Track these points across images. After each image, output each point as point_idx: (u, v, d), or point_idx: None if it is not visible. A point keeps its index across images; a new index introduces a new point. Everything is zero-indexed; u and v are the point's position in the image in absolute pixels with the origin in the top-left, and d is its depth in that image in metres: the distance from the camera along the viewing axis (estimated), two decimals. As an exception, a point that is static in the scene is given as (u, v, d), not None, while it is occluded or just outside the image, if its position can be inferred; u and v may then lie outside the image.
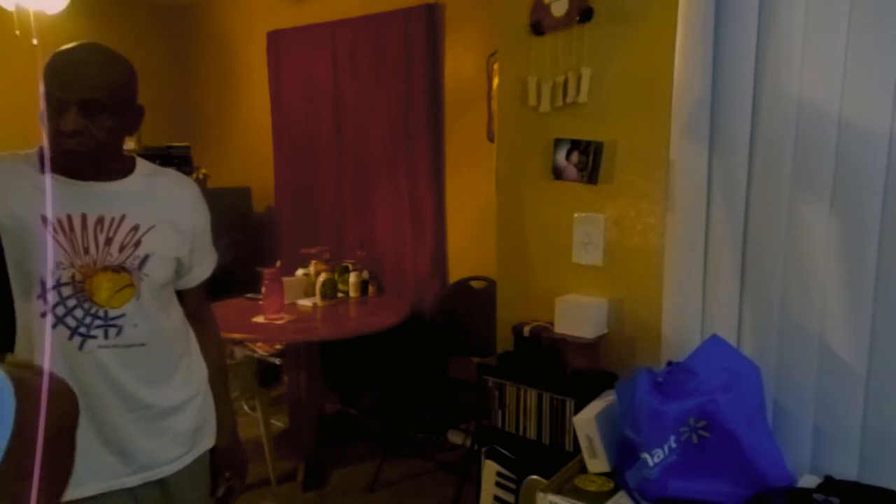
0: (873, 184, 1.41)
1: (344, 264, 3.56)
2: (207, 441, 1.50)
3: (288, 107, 4.08)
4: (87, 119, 1.20)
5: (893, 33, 1.37)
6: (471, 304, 3.22)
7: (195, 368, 1.49)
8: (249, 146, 4.43)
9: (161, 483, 1.41)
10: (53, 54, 1.22)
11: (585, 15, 1.79)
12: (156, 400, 1.38)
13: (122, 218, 1.31)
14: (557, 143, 1.88)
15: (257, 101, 4.28)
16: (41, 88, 1.21)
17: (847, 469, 1.49)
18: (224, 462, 1.56)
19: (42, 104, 1.22)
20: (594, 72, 1.80)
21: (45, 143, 1.25)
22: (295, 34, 3.98)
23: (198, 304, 1.53)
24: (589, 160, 1.82)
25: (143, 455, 1.37)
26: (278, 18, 4.06)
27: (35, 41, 3.40)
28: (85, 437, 1.32)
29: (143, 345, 1.34)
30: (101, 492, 1.34)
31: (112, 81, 1.24)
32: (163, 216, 1.36)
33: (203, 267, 1.49)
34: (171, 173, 1.47)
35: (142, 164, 1.39)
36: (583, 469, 1.57)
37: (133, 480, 1.37)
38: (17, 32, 3.31)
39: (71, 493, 1.31)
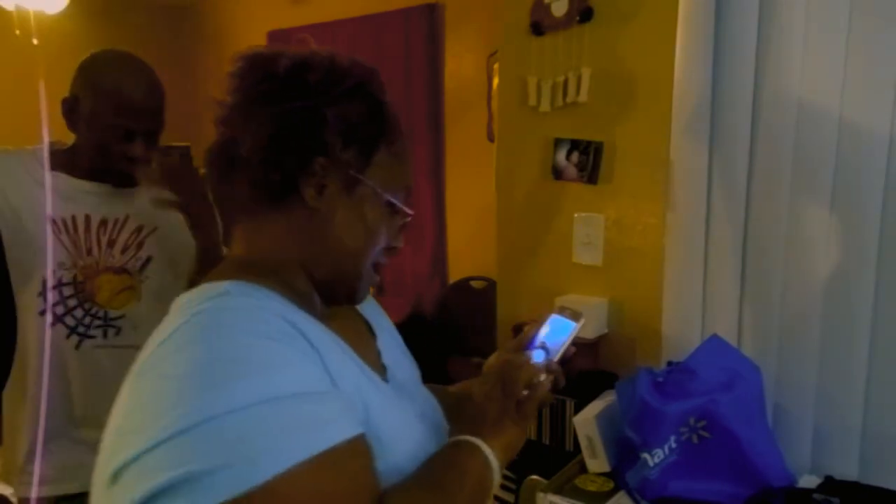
0: (873, 184, 1.41)
1: (344, 264, 3.56)
2: None
3: (288, 107, 4.08)
4: (147, 145, 1.27)
5: (894, 33, 1.37)
6: (471, 304, 3.23)
7: None
8: (249, 146, 4.43)
9: None
10: (109, 72, 1.25)
11: (585, 15, 1.79)
12: None
13: (126, 220, 1.32)
14: (557, 143, 1.88)
15: (257, 101, 4.28)
16: (42, 88, 1.22)
17: (847, 469, 1.49)
18: None
19: (80, 111, 1.24)
20: (594, 72, 1.80)
21: (82, 147, 1.26)
22: (295, 34, 3.98)
23: None
24: (589, 160, 1.82)
25: None
26: (278, 18, 4.07)
27: (35, 41, 3.40)
28: (74, 436, 1.32)
29: (141, 347, 1.34)
30: (82, 490, 1.34)
31: (164, 108, 1.31)
32: (165, 218, 1.36)
33: None
34: None
35: None
36: (583, 469, 1.57)
37: None
38: (17, 32, 3.31)
39: (56, 488, 1.32)
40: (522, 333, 0.91)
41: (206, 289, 0.73)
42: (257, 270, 0.75)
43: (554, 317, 0.93)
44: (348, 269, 0.80)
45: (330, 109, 0.75)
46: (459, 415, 0.91)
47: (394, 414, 0.77)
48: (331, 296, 0.82)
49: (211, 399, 0.60)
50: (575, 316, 0.91)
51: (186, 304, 0.72)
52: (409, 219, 0.84)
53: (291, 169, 0.75)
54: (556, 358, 0.86)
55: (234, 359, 0.63)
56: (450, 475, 0.74)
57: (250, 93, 0.77)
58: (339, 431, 0.64)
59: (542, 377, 0.84)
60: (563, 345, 0.88)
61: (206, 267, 1.29)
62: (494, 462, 0.77)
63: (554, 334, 0.89)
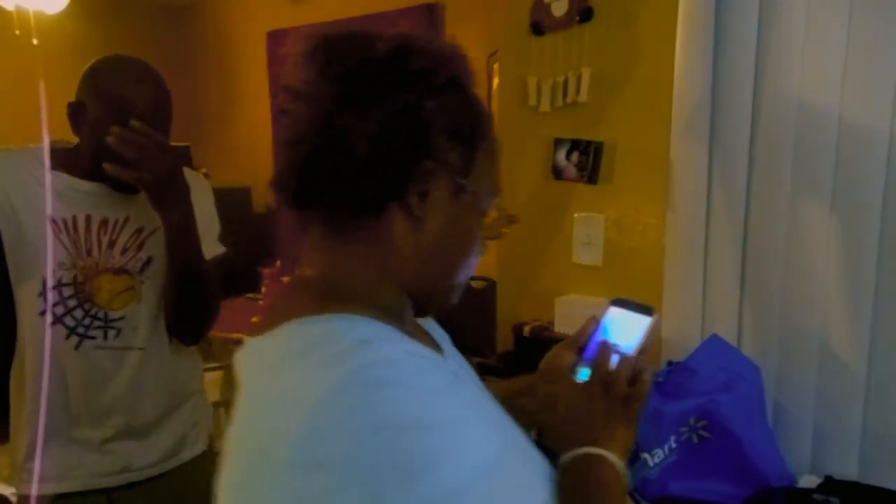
0: (873, 184, 1.41)
1: (344, 264, 3.56)
2: (195, 448, 1.47)
3: (288, 107, 4.08)
4: None
5: (894, 33, 1.37)
6: (471, 304, 3.22)
7: (189, 375, 1.47)
8: (249, 146, 4.44)
9: (142, 486, 1.39)
10: (116, 79, 1.22)
11: (585, 15, 1.78)
12: (146, 405, 1.37)
13: (126, 220, 1.31)
14: (557, 143, 1.88)
15: (257, 100, 4.28)
16: (42, 88, 1.22)
17: (847, 469, 1.49)
18: None
19: (85, 117, 1.23)
20: (594, 72, 1.80)
21: (84, 148, 1.25)
22: (295, 34, 3.98)
23: None
24: (589, 160, 1.82)
25: (126, 457, 1.36)
26: (278, 18, 4.07)
27: (35, 41, 3.41)
28: (70, 437, 1.32)
29: (141, 348, 1.34)
30: (81, 489, 1.33)
31: (171, 115, 1.28)
32: None
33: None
34: (185, 173, 1.46)
35: None
36: (583, 469, 1.57)
37: (115, 480, 1.36)
38: (17, 32, 3.32)
39: (51, 487, 1.32)
40: (580, 330, 0.84)
41: (320, 333, 0.60)
42: (345, 294, 0.66)
43: (614, 310, 0.86)
44: (450, 281, 0.73)
45: (432, 102, 0.64)
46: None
47: (515, 434, 0.71)
48: (422, 310, 0.76)
49: (411, 495, 0.52)
50: (645, 309, 0.85)
51: (299, 356, 0.59)
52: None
53: (400, 174, 0.64)
54: (635, 353, 0.80)
55: (421, 429, 0.54)
56: (598, 495, 0.69)
57: (346, 84, 0.64)
58: (537, 492, 0.60)
59: (628, 373, 0.77)
60: (640, 340, 0.81)
61: (176, 247, 1.28)
62: (622, 467, 0.72)
63: (619, 330, 0.83)
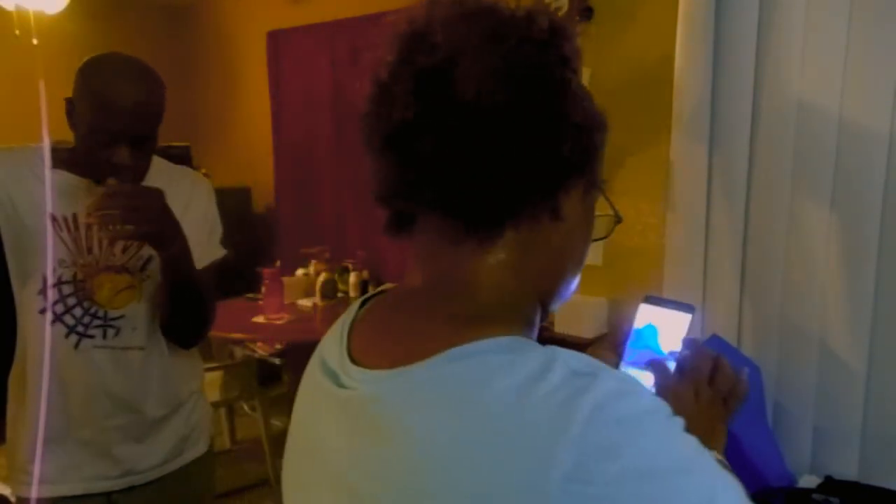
0: (873, 184, 1.41)
1: (344, 264, 3.56)
2: (196, 449, 1.47)
3: (288, 107, 4.08)
4: (137, 152, 1.22)
5: (894, 33, 1.37)
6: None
7: (189, 375, 1.47)
8: (249, 146, 4.43)
9: (144, 488, 1.38)
10: (100, 75, 1.20)
11: (585, 14, 1.79)
12: (146, 405, 1.36)
13: None
14: (557, 143, 1.88)
15: (257, 101, 4.28)
16: (42, 88, 1.22)
17: (847, 469, 1.49)
18: None
19: (76, 114, 1.22)
20: (594, 72, 1.80)
21: (76, 144, 1.24)
22: (295, 34, 3.98)
23: None
24: (589, 160, 1.82)
25: (127, 459, 1.35)
26: (278, 18, 4.07)
27: (35, 41, 3.41)
28: (71, 438, 1.31)
29: (141, 348, 1.33)
30: (82, 493, 1.32)
31: (160, 112, 1.25)
32: None
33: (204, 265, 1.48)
34: (187, 173, 1.45)
35: (158, 165, 1.35)
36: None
37: (116, 484, 1.35)
38: (17, 32, 3.32)
39: (51, 490, 1.31)
40: (614, 330, 0.84)
41: (521, 369, 0.51)
42: (491, 308, 0.58)
43: (647, 308, 0.84)
44: (568, 286, 0.65)
45: (582, 90, 0.58)
46: None
47: None
48: (545, 316, 0.67)
49: None
50: (684, 307, 0.83)
51: (507, 402, 0.48)
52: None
53: (566, 169, 0.57)
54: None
55: (684, 472, 0.50)
56: None
57: (519, 65, 0.53)
58: None
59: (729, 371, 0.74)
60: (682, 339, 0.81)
61: (172, 274, 1.27)
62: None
63: (663, 328, 0.82)
